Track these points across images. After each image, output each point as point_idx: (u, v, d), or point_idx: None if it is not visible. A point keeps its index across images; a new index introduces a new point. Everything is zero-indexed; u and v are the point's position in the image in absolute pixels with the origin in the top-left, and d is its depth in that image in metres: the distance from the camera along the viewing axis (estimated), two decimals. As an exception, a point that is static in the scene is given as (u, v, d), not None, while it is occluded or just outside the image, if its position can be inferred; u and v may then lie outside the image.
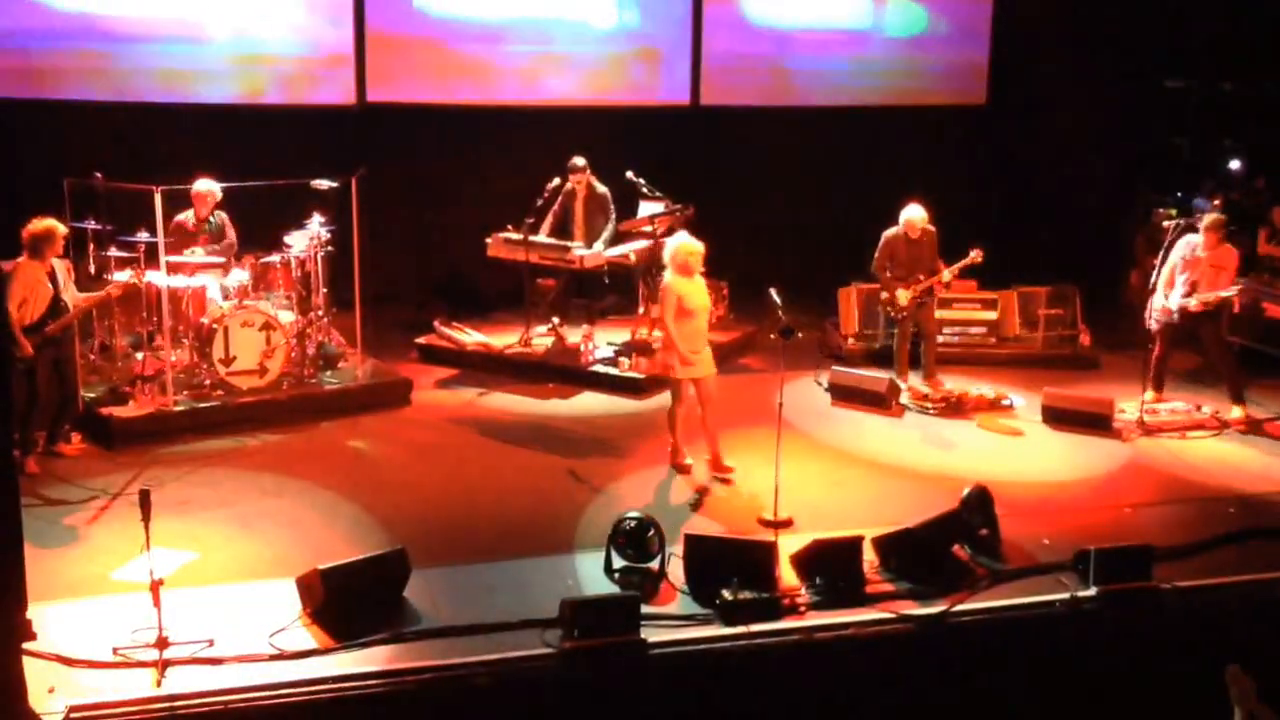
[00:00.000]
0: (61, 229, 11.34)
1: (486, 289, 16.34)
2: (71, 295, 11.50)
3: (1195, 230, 13.46)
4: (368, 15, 16.35)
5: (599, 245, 14.59)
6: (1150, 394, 13.46)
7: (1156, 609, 9.43)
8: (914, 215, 13.64)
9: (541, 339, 14.95)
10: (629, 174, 15.11)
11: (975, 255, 13.63)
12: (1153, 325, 13.52)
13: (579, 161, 14.76)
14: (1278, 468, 12.23)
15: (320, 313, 13.88)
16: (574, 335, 14.84)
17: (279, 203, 13.44)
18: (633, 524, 9.57)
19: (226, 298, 13.13)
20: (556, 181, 14.74)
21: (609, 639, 8.49)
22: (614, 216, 14.88)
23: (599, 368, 14.33)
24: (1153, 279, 13.54)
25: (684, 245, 11.36)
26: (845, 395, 13.86)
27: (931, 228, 13.75)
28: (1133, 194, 17.57)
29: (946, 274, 13.76)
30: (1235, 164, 17.36)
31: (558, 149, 14.78)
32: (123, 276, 12.37)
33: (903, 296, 13.70)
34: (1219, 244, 13.24)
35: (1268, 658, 9.12)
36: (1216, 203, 16.85)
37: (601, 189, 14.84)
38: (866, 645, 8.92)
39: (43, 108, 14.92)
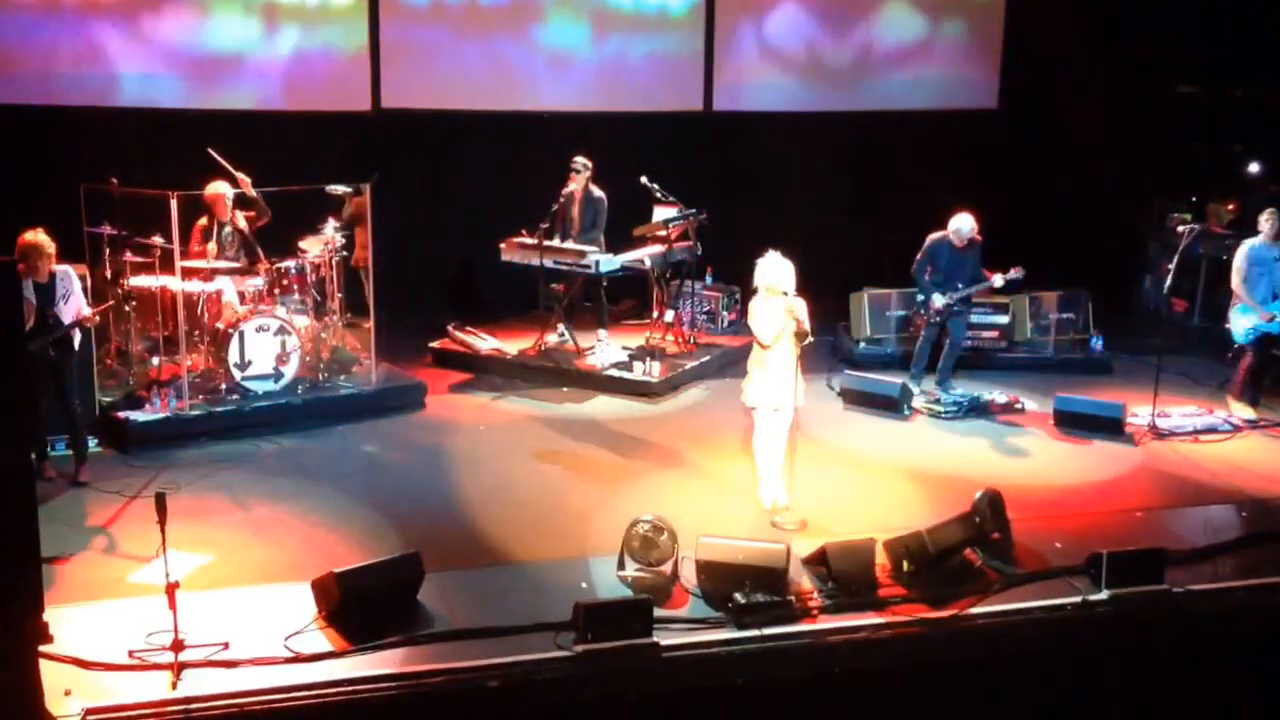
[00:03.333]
0: (44, 243, 10.93)
1: (499, 293, 16.37)
2: (73, 308, 11.21)
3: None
4: (382, 21, 16.41)
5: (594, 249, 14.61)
6: (1238, 405, 13.44)
7: (1168, 613, 9.43)
8: (961, 225, 13.62)
9: (555, 343, 15.01)
10: (643, 179, 15.14)
11: (1016, 271, 13.61)
12: (1241, 339, 13.45)
13: (576, 162, 14.75)
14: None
15: (335, 317, 13.94)
16: (586, 340, 14.88)
17: (294, 208, 13.50)
18: (646, 527, 9.59)
19: (243, 302, 13.18)
20: (571, 186, 14.78)
21: (622, 642, 8.51)
22: (603, 224, 14.84)
23: (613, 372, 14.36)
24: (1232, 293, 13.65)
25: (764, 265, 10.67)
26: (857, 399, 13.90)
27: (979, 238, 13.75)
28: (1146, 199, 17.56)
29: (999, 280, 13.69)
30: (1255, 168, 17.30)
31: (571, 154, 14.79)
32: (145, 281, 12.43)
33: (937, 300, 13.72)
34: None
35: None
36: (1231, 207, 16.84)
37: (597, 194, 14.82)
38: (878, 649, 8.94)
39: (58, 113, 14.98)
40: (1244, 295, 13.34)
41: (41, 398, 11.05)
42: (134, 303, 12.95)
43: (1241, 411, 13.46)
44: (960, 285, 13.75)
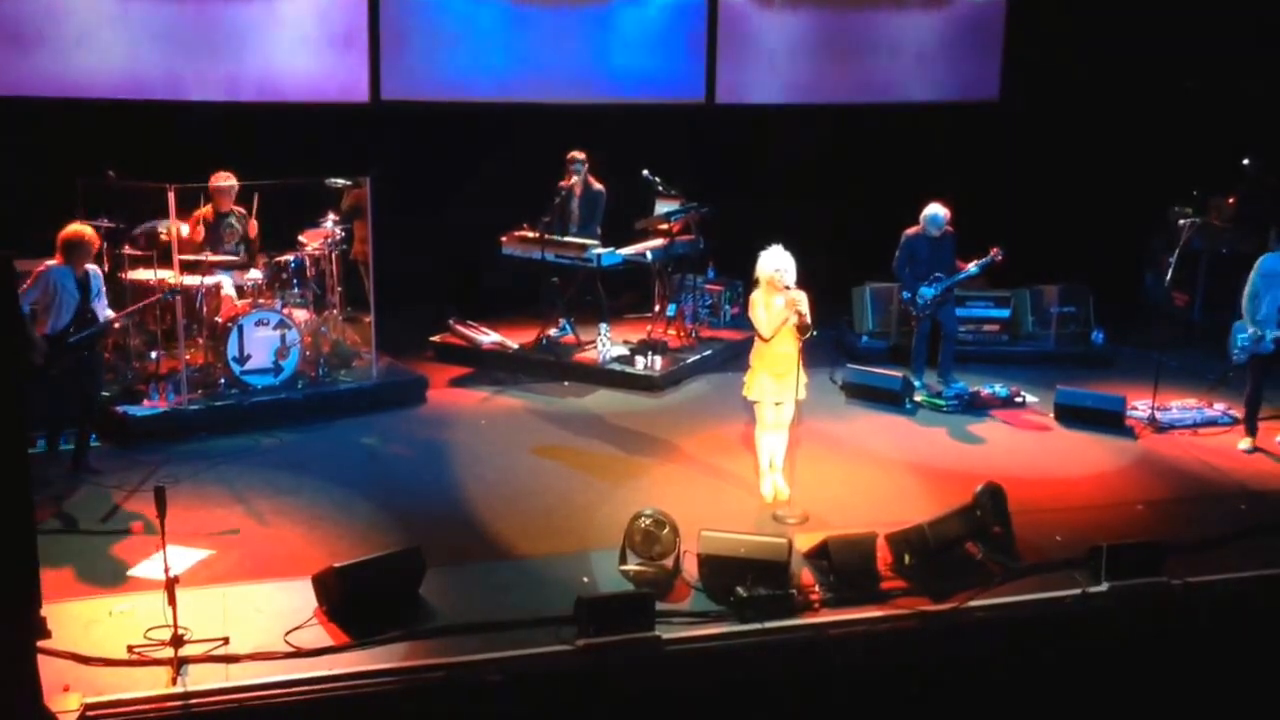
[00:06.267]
0: (92, 234, 11.10)
1: (500, 287, 16.35)
2: (103, 306, 11.30)
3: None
4: (382, 12, 16.38)
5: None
6: (1247, 442, 12.61)
7: (1168, 605, 9.44)
8: (937, 215, 13.62)
9: (556, 337, 15.01)
10: (644, 172, 15.14)
11: (995, 253, 13.59)
12: (1239, 358, 12.53)
13: (577, 155, 14.75)
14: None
15: (335, 311, 13.93)
16: (588, 334, 14.87)
17: (294, 201, 13.48)
18: (648, 521, 9.59)
19: (242, 296, 13.16)
20: (570, 180, 14.77)
21: (624, 636, 8.51)
22: (601, 217, 14.85)
23: (615, 366, 14.36)
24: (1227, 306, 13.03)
25: (766, 258, 10.66)
26: (859, 393, 13.90)
27: (951, 228, 13.75)
28: (1147, 192, 17.52)
29: (974, 267, 13.67)
30: (1245, 161, 17.21)
31: (573, 148, 14.78)
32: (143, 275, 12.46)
33: (927, 294, 13.71)
34: None
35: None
36: (1231, 202, 16.81)
37: (597, 187, 14.83)
38: (880, 642, 8.94)
39: (55, 105, 14.95)
40: (1245, 311, 12.38)
41: (69, 389, 11.10)
42: (177, 296, 12.72)
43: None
44: (942, 276, 13.74)
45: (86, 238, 10.96)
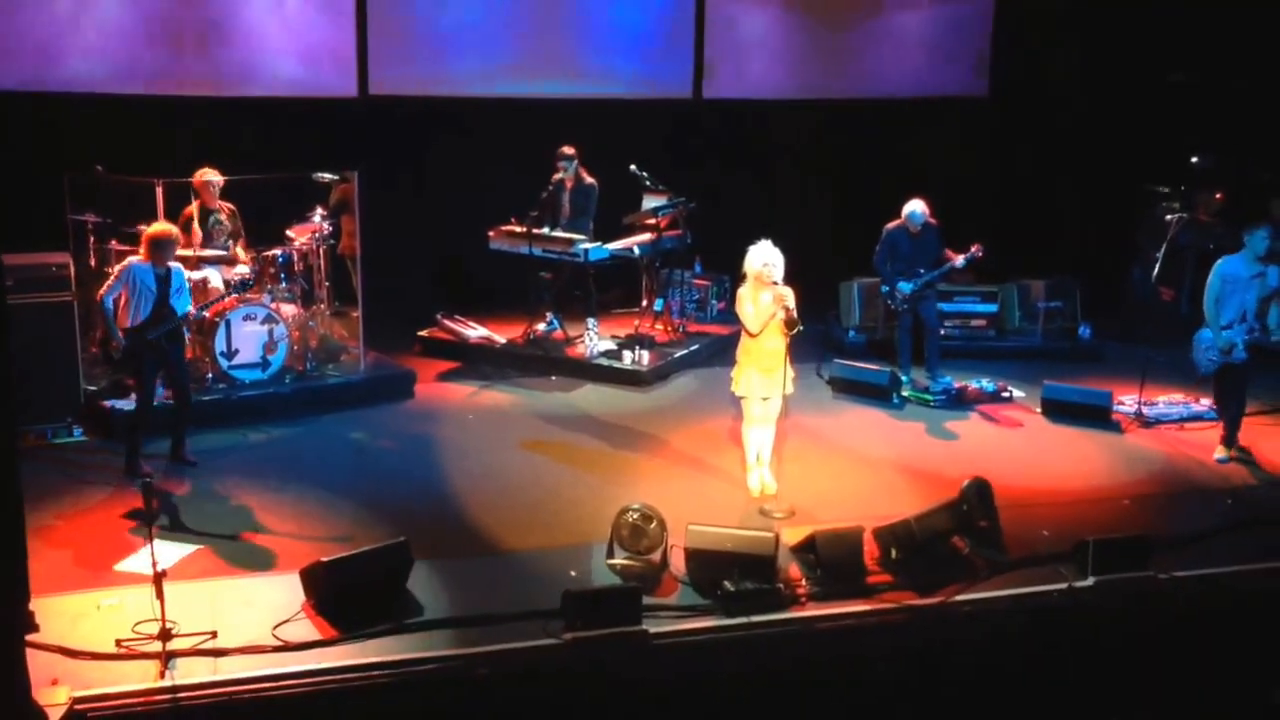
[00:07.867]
0: (177, 233, 11.27)
1: (488, 282, 16.34)
2: (184, 302, 11.23)
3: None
4: (370, 7, 16.36)
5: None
6: (1222, 451, 12.21)
7: (1154, 598, 9.47)
8: (914, 212, 13.64)
9: (544, 331, 15.01)
10: (632, 167, 15.14)
11: (975, 249, 13.61)
12: (1209, 368, 12.09)
13: (566, 151, 14.75)
14: (1273, 460, 12.24)
15: (323, 306, 13.92)
16: (575, 329, 14.87)
17: (281, 196, 13.46)
18: (635, 515, 9.60)
19: (229, 290, 13.14)
20: (560, 175, 14.76)
21: (611, 630, 8.53)
22: (592, 212, 14.82)
23: (602, 361, 14.36)
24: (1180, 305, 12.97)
25: (754, 253, 10.61)
26: (846, 388, 13.92)
27: (934, 221, 13.77)
28: (1135, 187, 17.55)
29: (961, 260, 13.68)
30: (1194, 159, 17.08)
31: (561, 142, 14.77)
32: (242, 270, 12.68)
33: (904, 289, 13.73)
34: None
35: (1262, 646, 9.20)
36: (1219, 197, 16.83)
37: (589, 181, 14.81)
38: (866, 636, 8.96)
39: (43, 100, 14.90)
40: (1209, 319, 11.95)
41: (146, 385, 11.17)
42: (248, 287, 12.68)
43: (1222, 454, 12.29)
44: (923, 270, 13.76)
45: (172, 236, 11.08)
